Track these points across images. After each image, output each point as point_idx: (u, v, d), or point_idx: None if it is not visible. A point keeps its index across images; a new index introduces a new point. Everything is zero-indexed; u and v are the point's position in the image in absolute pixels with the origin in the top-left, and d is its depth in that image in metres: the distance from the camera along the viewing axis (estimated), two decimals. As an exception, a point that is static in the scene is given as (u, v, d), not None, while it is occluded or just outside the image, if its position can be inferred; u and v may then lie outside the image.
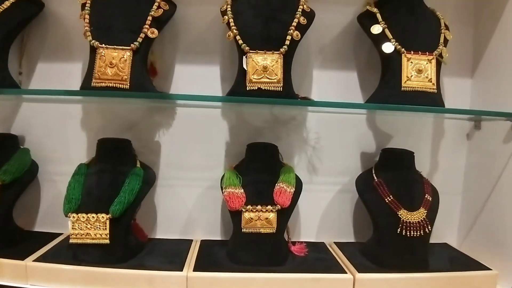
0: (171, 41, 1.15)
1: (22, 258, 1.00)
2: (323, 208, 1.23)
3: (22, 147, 1.17)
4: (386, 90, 1.04)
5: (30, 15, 1.11)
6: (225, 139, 1.19)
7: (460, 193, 1.27)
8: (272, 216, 1.02)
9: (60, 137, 1.19)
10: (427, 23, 1.08)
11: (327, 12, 1.15)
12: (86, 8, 1.01)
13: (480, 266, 1.10)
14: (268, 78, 0.96)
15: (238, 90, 0.97)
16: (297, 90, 1.11)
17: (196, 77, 1.16)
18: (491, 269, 1.07)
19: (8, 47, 1.09)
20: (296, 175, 1.09)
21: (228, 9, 1.02)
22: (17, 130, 1.19)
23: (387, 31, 1.05)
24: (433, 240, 1.12)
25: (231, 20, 1.00)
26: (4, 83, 1.04)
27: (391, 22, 1.06)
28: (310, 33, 1.09)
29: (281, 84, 0.96)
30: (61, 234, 1.18)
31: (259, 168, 1.09)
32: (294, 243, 1.14)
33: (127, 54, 0.96)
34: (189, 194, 1.20)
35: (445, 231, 1.27)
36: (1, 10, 1.02)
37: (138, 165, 1.09)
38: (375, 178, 1.11)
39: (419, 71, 1.02)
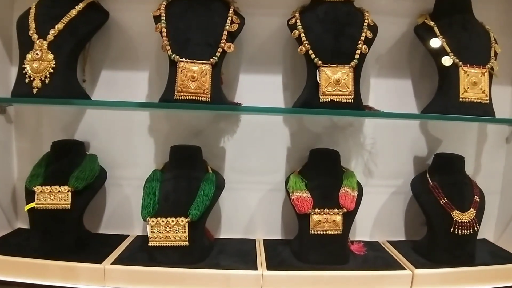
0: (236, 52, 1.22)
1: (98, 261, 1.08)
2: (377, 209, 1.33)
3: (88, 153, 1.24)
4: (445, 101, 1.13)
5: (97, 24, 1.17)
6: (286, 144, 1.28)
7: (498, 193, 1.38)
8: (339, 218, 1.11)
9: (125, 143, 1.27)
10: (479, 37, 1.17)
11: (383, 23, 1.22)
12: (162, 21, 1.07)
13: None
14: (341, 91, 1.04)
15: (312, 101, 1.06)
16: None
17: (259, 86, 1.24)
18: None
19: (77, 57, 1.14)
20: (357, 180, 1.19)
21: (298, 23, 1.10)
22: (81, 136, 1.26)
23: (445, 45, 1.14)
24: None
25: (302, 34, 1.08)
26: (76, 93, 1.10)
27: (448, 35, 1.15)
28: None
29: (352, 96, 1.05)
30: (127, 236, 1.27)
31: (323, 172, 1.18)
32: (352, 242, 1.24)
33: (207, 68, 1.03)
34: (252, 197, 1.29)
35: (484, 228, 1.37)
36: (69, 19, 1.08)
37: (210, 170, 1.17)
38: (430, 181, 1.21)
39: (475, 84, 1.11)
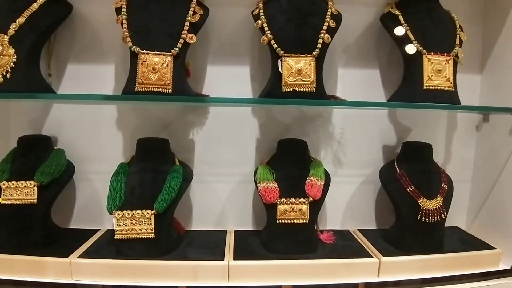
0: (202, 43, 1.23)
1: (65, 255, 1.08)
2: (348, 198, 1.34)
3: (55, 147, 1.24)
4: (409, 89, 1.15)
5: (59, 18, 1.16)
6: (255, 135, 1.29)
7: (469, 181, 1.40)
8: (305, 207, 1.12)
9: (93, 137, 1.27)
10: (444, 25, 1.18)
11: (350, 13, 1.23)
12: (122, 12, 1.07)
13: (486, 246, 1.24)
14: (302, 80, 1.05)
15: (274, 92, 1.07)
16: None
17: (227, 77, 1.25)
18: (495, 248, 1.21)
19: (40, 51, 1.14)
20: (324, 169, 1.20)
21: (261, 14, 1.11)
22: (49, 131, 1.26)
23: (409, 33, 1.14)
24: (445, 224, 1.24)
25: (265, 24, 1.09)
26: (38, 87, 1.10)
27: (413, 24, 1.16)
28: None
29: (315, 86, 1.06)
30: (97, 230, 1.27)
31: (291, 163, 1.19)
32: (322, 231, 1.25)
33: (168, 60, 1.04)
34: (222, 189, 1.30)
35: (456, 215, 1.40)
36: (30, 12, 1.07)
37: (177, 163, 1.18)
38: (398, 170, 1.22)
39: (439, 71, 1.12)
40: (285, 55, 1.06)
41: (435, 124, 1.35)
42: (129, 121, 1.26)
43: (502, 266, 1.20)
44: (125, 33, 1.05)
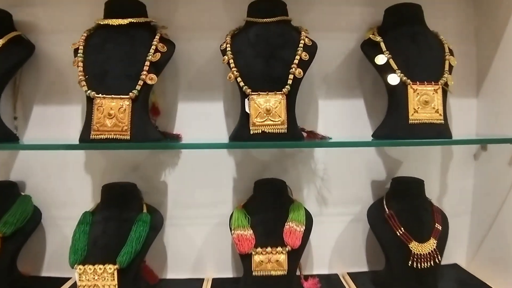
0: (172, 79, 1.11)
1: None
2: (335, 239, 1.19)
3: (23, 193, 1.13)
4: (394, 122, 0.99)
5: (20, 59, 1.06)
6: (232, 175, 1.15)
7: (469, 213, 1.23)
8: (283, 258, 0.98)
9: (62, 182, 1.16)
10: (431, 50, 1.03)
11: (329, 40, 1.10)
12: (79, 54, 0.96)
13: (486, 288, 1.07)
14: (272, 121, 0.91)
15: (242, 134, 0.93)
16: (302, 122, 1.07)
17: (200, 114, 1.12)
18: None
19: (0, 93, 1.04)
20: (306, 211, 1.05)
21: (227, 49, 0.98)
22: (17, 176, 1.15)
23: (391, 62, 1.00)
24: (443, 261, 1.07)
25: (231, 60, 0.96)
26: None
27: (395, 51, 1.01)
28: (313, 62, 1.05)
29: (285, 126, 0.92)
30: (69, 278, 1.15)
31: (268, 206, 1.05)
32: (306, 278, 1.10)
33: (126, 103, 0.92)
34: (199, 232, 1.17)
35: (455, 252, 1.23)
36: None
37: (145, 209, 1.05)
38: (386, 210, 1.06)
39: (426, 103, 0.97)
40: (252, 93, 0.92)
41: (427, 155, 1.19)
42: (97, 164, 1.14)
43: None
44: (79, 77, 0.94)
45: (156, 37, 1.00)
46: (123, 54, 0.97)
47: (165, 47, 1.00)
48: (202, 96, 1.12)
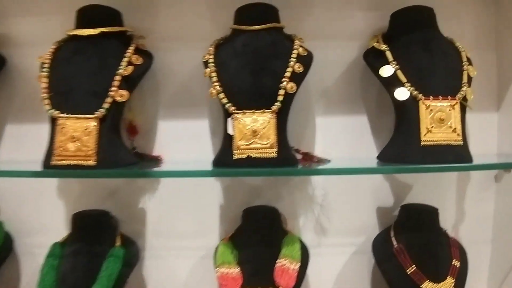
0: (152, 94, 0.98)
1: None
2: (336, 274, 1.02)
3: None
4: (403, 144, 0.84)
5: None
6: (218, 201, 1.01)
7: (489, 243, 1.06)
8: (275, 300, 0.83)
9: (35, 207, 1.02)
10: (446, 59, 0.87)
11: (328, 49, 0.96)
12: (43, 69, 0.84)
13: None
14: (259, 143, 0.77)
15: (224, 159, 0.79)
16: (297, 143, 0.93)
17: (183, 133, 0.98)
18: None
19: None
20: (302, 244, 0.91)
21: (210, 60, 0.84)
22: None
23: (399, 73, 0.85)
24: None
25: (213, 73, 0.82)
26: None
27: (404, 61, 0.86)
28: (310, 75, 0.91)
29: (275, 149, 0.77)
30: (44, 312, 1.02)
31: (258, 238, 0.90)
32: (303, 319, 0.95)
33: (92, 124, 0.79)
34: (181, 266, 1.02)
35: (475, 284, 1.06)
36: None
37: (118, 242, 0.92)
38: (395, 242, 0.91)
39: (441, 121, 0.81)
40: (236, 111, 0.78)
41: (441, 178, 1.02)
42: (71, 189, 1.01)
43: None
44: (42, 94, 0.81)
45: (130, 48, 0.87)
46: (92, 68, 0.84)
47: (140, 59, 0.87)
48: (186, 113, 0.98)
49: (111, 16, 0.90)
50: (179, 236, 1.01)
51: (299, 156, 0.91)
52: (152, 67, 0.95)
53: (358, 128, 0.99)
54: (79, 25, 0.88)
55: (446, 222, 1.00)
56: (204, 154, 0.97)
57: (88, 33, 0.86)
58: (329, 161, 0.90)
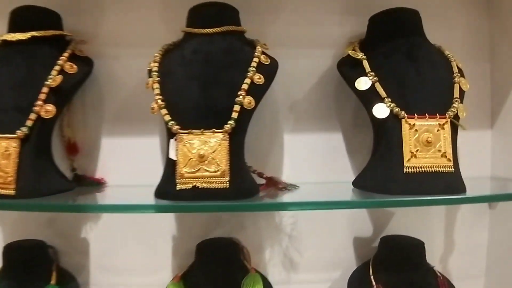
0: (95, 108, 0.83)
1: None
2: (307, 315, 0.88)
3: None
4: (382, 171, 0.69)
5: None
6: (171, 232, 0.85)
7: (482, 275, 0.92)
8: None
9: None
10: (434, 69, 0.73)
11: (298, 58, 0.82)
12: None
13: None
14: (208, 171, 0.63)
15: (166, 189, 0.64)
16: (261, 165, 0.79)
17: (130, 151, 0.83)
18: None
19: None
20: (266, 283, 0.76)
21: (153, 69, 0.70)
22: None
23: (378, 86, 0.70)
24: None
25: (155, 85, 0.68)
26: None
27: (384, 71, 0.72)
28: (276, 87, 0.78)
29: (227, 178, 0.63)
30: None
31: (213, 277, 0.75)
32: None
33: (13, 145, 0.64)
34: (129, 305, 0.87)
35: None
36: None
37: (53, 280, 0.76)
38: (374, 283, 0.76)
39: (428, 143, 0.67)
40: (181, 131, 0.64)
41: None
42: (3, 215, 0.86)
43: None
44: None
45: (65, 54, 0.73)
46: (18, 78, 0.69)
47: (75, 67, 0.73)
48: (133, 130, 0.83)
49: (48, 19, 0.75)
50: (127, 272, 0.85)
51: (262, 181, 0.77)
52: (96, 77, 0.82)
53: (331, 148, 0.84)
54: (10, 29, 0.74)
55: (434, 254, 0.86)
56: (153, 176, 0.80)
57: (18, 38, 0.72)
58: (297, 187, 0.76)
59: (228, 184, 0.62)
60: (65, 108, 0.79)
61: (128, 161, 0.83)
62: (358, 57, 0.74)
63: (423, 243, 0.79)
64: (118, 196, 0.79)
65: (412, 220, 0.86)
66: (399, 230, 0.86)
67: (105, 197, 0.80)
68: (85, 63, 0.76)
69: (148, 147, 0.83)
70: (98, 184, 0.82)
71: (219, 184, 0.62)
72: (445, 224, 0.91)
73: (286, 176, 0.81)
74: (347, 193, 0.74)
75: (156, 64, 0.70)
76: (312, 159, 0.84)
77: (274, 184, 0.75)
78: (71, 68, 0.72)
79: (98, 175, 0.83)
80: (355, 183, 0.75)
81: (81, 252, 0.85)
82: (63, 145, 0.82)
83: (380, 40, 0.76)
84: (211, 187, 0.62)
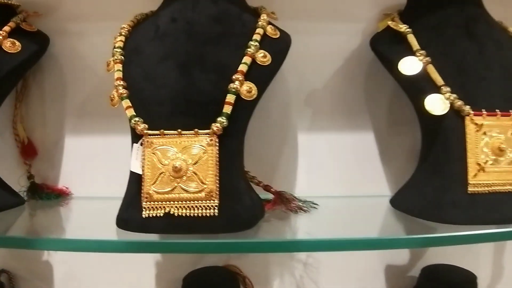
0: (56, 100, 0.62)
1: None
2: None
3: None
4: (435, 190, 0.47)
5: None
6: (152, 258, 0.65)
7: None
8: None
9: None
10: (499, 50, 0.50)
11: (318, 34, 0.60)
12: None
13: None
14: (186, 191, 0.41)
15: (129, 216, 0.43)
16: (267, 176, 0.58)
17: (99, 154, 0.62)
18: None
19: None
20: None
21: (117, 45, 0.48)
22: None
23: (431, 70, 0.48)
24: None
25: (117, 66, 0.46)
26: None
27: (436, 50, 0.49)
28: (287, 71, 0.56)
29: (216, 202, 0.41)
30: None
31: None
32: None
33: None
34: None
35: None
36: None
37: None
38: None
39: (500, 151, 0.45)
40: (149, 132, 0.43)
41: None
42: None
43: None
44: None
45: (5, 28, 0.52)
46: None
47: (18, 44, 0.52)
48: (104, 126, 0.62)
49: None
50: (99, 304, 0.66)
51: (270, 196, 0.55)
52: (57, 59, 0.61)
53: (360, 152, 0.62)
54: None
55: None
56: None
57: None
58: (316, 206, 0.54)
59: (217, 210, 0.41)
60: (16, 100, 0.59)
61: (97, 166, 0.62)
62: (401, 30, 0.51)
63: (475, 278, 0.57)
64: (84, 212, 0.59)
65: (460, 248, 0.63)
66: (440, 257, 0.63)
67: (68, 215, 0.59)
68: (36, 40, 0.55)
69: (123, 149, 0.61)
70: (60, 196, 0.61)
71: (203, 211, 0.41)
72: (494, 251, 0.68)
73: (300, 190, 0.59)
74: (385, 214, 0.52)
75: (122, 38, 0.49)
76: (334, 167, 0.61)
77: (285, 202, 0.53)
78: (12, 46, 0.51)
79: (61, 184, 0.63)
80: (394, 203, 0.53)
81: (42, 278, 0.65)
82: (17, 146, 0.62)
83: (427, 10, 0.53)
84: (191, 214, 0.41)
